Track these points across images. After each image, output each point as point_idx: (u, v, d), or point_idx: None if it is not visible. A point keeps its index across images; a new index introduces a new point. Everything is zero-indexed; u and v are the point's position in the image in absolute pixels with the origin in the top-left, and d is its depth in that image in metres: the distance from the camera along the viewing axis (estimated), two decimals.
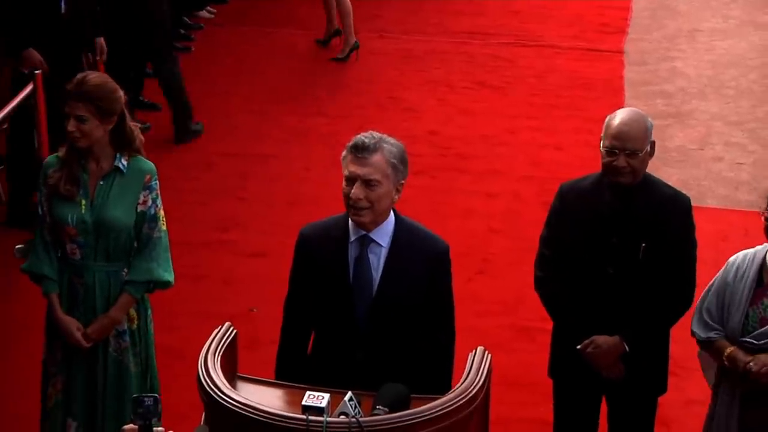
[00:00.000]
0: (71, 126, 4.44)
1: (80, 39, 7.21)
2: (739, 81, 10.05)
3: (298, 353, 4.16)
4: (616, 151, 4.41)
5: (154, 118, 8.66)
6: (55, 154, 4.62)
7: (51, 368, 4.65)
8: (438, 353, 4.09)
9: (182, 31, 10.20)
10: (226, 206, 7.73)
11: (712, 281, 4.49)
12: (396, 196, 4.01)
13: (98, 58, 7.31)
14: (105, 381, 4.59)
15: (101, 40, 7.33)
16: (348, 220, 4.05)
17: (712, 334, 4.41)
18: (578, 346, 4.56)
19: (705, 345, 4.48)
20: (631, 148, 4.41)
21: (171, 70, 8.49)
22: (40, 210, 4.59)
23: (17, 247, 6.93)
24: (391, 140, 4.01)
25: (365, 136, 3.97)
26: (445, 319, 4.12)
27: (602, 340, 4.54)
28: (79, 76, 4.55)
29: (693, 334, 4.49)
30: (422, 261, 4.04)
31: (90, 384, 4.60)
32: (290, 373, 4.09)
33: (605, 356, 4.54)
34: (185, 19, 10.46)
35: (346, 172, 3.96)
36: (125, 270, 4.58)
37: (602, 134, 4.48)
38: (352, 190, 3.92)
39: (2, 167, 7.52)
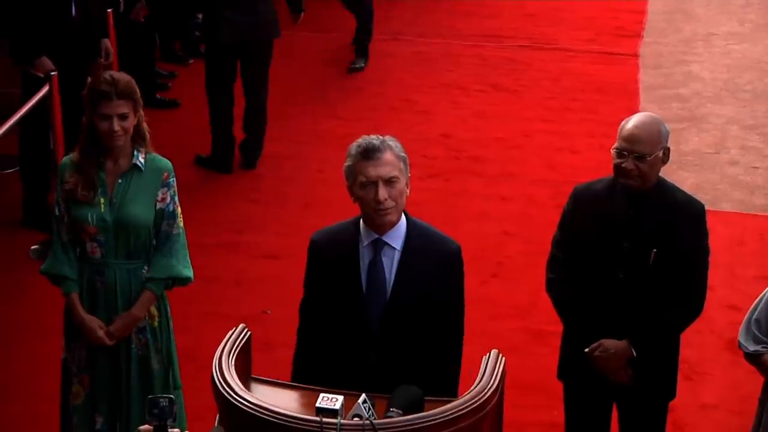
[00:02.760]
0: (116, 125, 4.45)
1: (90, 42, 7.22)
2: (755, 84, 10.01)
3: (315, 356, 4.15)
4: (625, 153, 4.40)
5: (167, 118, 8.66)
6: (70, 156, 4.62)
7: (73, 367, 4.66)
8: (445, 354, 4.07)
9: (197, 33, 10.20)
10: (239, 208, 7.73)
11: (764, 292, 4.33)
12: (408, 190, 4.01)
13: (104, 60, 7.30)
14: (129, 378, 4.61)
15: (107, 42, 7.34)
16: (359, 225, 4.05)
17: (759, 348, 4.27)
18: (586, 350, 4.54)
19: (751, 358, 4.32)
20: (639, 151, 4.39)
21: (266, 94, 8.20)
22: (57, 210, 4.59)
23: (32, 247, 6.96)
24: (389, 137, 4.02)
25: (369, 139, 3.97)
26: (453, 320, 4.10)
27: (610, 343, 4.52)
28: (105, 76, 4.55)
29: (740, 345, 4.35)
30: (435, 262, 4.03)
31: (114, 381, 4.62)
32: (308, 375, 4.07)
33: (612, 360, 4.52)
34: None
35: (361, 179, 3.94)
36: (145, 267, 4.59)
37: (617, 136, 4.48)
38: (379, 192, 3.91)
39: (16, 168, 7.54)
